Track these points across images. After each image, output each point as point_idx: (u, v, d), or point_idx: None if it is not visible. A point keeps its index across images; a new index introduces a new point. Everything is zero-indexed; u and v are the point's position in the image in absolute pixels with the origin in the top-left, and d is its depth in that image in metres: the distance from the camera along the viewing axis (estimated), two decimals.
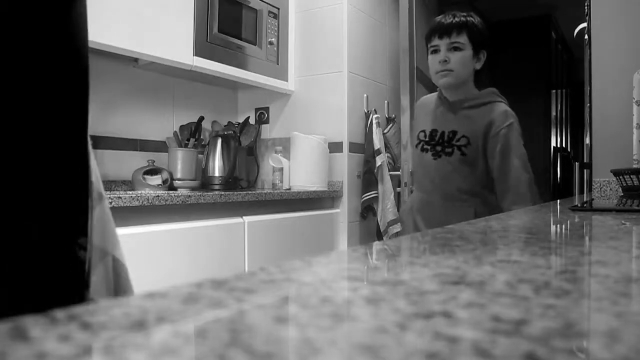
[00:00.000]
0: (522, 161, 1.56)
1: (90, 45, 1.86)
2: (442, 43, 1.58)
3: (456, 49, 1.57)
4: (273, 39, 2.50)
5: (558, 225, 0.77)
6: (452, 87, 1.62)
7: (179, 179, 2.26)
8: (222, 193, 1.87)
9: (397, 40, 2.59)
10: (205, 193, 1.82)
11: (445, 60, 1.57)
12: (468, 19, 1.58)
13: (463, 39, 1.56)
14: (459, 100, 1.63)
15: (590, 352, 0.19)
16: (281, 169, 2.56)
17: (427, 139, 1.66)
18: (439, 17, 1.64)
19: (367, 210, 2.67)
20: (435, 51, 1.60)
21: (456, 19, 1.57)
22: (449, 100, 1.65)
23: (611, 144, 2.08)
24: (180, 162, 2.27)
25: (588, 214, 0.92)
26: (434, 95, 1.74)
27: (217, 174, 2.39)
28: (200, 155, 2.42)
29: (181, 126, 2.42)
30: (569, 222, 0.82)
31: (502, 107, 1.62)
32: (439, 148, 1.63)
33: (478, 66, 1.62)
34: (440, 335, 0.20)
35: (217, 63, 2.21)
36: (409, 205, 1.80)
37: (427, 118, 1.70)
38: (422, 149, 1.67)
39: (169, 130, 2.41)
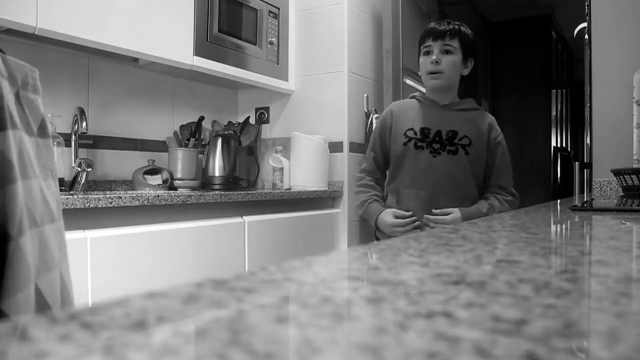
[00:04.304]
0: (510, 171, 1.75)
1: (90, 45, 1.84)
2: (435, 45, 1.67)
3: (448, 52, 1.66)
4: (273, 39, 2.50)
5: (558, 225, 0.77)
6: (441, 90, 1.70)
7: (179, 179, 2.26)
8: (222, 193, 1.87)
9: (396, 41, 2.59)
10: (206, 193, 1.82)
11: (437, 62, 1.65)
12: (461, 27, 1.70)
13: (455, 44, 1.67)
14: (450, 103, 1.71)
15: (590, 352, 0.19)
16: (281, 169, 2.56)
17: (419, 137, 1.68)
18: (434, 22, 1.76)
19: None
20: (428, 52, 1.68)
21: (450, 25, 1.68)
22: (439, 102, 1.71)
23: (611, 144, 2.08)
24: (180, 162, 2.27)
25: (588, 214, 0.92)
26: (412, 100, 1.79)
27: (217, 173, 2.39)
28: (200, 155, 2.42)
29: (181, 126, 2.42)
30: (569, 222, 0.82)
31: (491, 116, 1.77)
32: (436, 146, 1.66)
33: (465, 72, 1.72)
34: (440, 335, 0.20)
35: (217, 63, 2.21)
36: (393, 200, 1.74)
37: (411, 117, 1.72)
38: (416, 147, 1.67)
39: (169, 130, 2.41)
